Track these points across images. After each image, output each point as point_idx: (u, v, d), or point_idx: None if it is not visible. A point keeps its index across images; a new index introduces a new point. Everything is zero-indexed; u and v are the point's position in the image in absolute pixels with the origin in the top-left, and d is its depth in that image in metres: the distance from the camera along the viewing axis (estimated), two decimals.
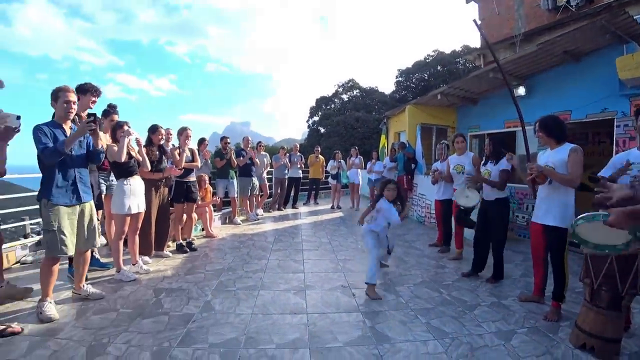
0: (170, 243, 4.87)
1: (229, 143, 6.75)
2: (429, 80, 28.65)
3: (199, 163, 5.06)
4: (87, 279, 3.24)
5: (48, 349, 2.22)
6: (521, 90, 6.60)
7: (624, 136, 5.11)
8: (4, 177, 2.72)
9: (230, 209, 6.85)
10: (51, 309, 2.64)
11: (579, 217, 1.99)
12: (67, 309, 2.84)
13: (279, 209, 8.53)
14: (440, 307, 3.02)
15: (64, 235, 2.64)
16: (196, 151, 5.10)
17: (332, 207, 9.01)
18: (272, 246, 5.09)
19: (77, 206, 2.79)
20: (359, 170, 8.95)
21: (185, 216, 4.92)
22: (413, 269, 4.11)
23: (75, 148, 2.78)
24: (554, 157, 2.84)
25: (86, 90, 3.51)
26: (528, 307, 3.05)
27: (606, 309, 2.29)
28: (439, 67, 28.77)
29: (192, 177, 4.91)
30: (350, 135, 25.69)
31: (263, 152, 7.91)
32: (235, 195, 6.70)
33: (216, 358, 2.17)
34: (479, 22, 11.00)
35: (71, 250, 2.72)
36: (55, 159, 2.59)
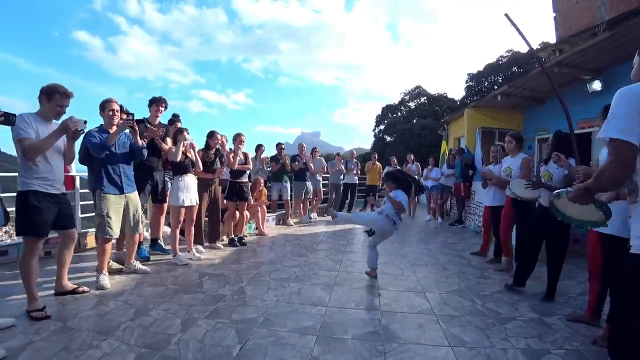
0: (224, 237, 5.34)
1: (283, 149, 7.14)
2: (503, 83, 26.41)
3: (250, 165, 5.47)
4: (149, 260, 4.05)
5: (108, 306, 2.83)
6: (596, 85, 5.79)
7: None
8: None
9: (285, 211, 7.21)
10: (105, 280, 3.21)
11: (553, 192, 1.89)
12: (128, 280, 3.45)
13: None
14: (468, 316, 2.85)
15: (110, 219, 3.20)
16: (249, 155, 5.53)
17: None
18: (316, 246, 5.27)
19: (123, 196, 3.33)
20: (416, 177, 8.70)
21: (237, 214, 5.35)
22: (452, 277, 3.91)
23: (120, 147, 3.33)
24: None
25: (153, 102, 4.19)
26: (575, 327, 2.71)
27: None
28: (514, 68, 26.44)
29: (244, 179, 5.33)
30: (416, 142, 24.92)
31: (318, 157, 8.18)
32: (289, 198, 7.06)
33: (232, 332, 2.43)
34: (554, 15, 9.94)
35: (116, 234, 3.26)
36: (101, 152, 3.15)
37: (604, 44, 5.06)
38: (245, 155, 5.36)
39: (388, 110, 33.52)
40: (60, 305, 2.77)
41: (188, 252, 4.27)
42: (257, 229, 6.10)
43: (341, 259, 4.53)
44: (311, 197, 7.75)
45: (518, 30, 3.02)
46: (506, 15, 3.07)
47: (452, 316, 2.84)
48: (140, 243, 3.92)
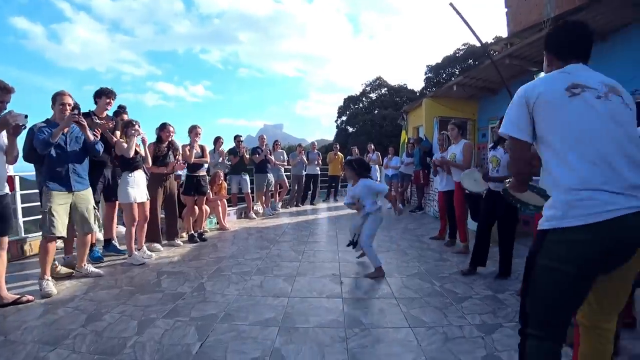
0: (184, 234, 5.16)
1: (242, 141, 6.98)
2: (459, 75, 27.55)
3: (208, 159, 5.30)
4: (103, 262, 3.83)
5: (56, 314, 2.60)
6: (542, 76, 6.20)
7: None
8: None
9: (246, 204, 7.08)
10: (50, 285, 2.96)
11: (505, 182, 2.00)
12: (80, 285, 3.21)
13: (296, 206, 8.66)
14: (427, 297, 2.97)
15: (54, 217, 2.97)
16: (206, 148, 5.34)
17: None
18: (279, 238, 5.23)
19: (71, 194, 3.13)
20: (377, 166, 8.88)
21: (196, 209, 5.18)
22: (412, 261, 4.05)
23: (72, 144, 3.15)
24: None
25: (102, 94, 3.91)
26: None
27: None
28: (470, 61, 27.64)
29: (202, 172, 5.16)
30: (377, 133, 25.43)
31: (280, 150, 8.09)
32: (249, 191, 6.93)
33: (192, 329, 2.36)
34: (506, 11, 10.49)
35: (60, 232, 3.03)
36: (45, 149, 2.94)
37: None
38: (202, 148, 5.18)
39: (350, 101, 33.84)
40: (0, 318, 2.53)
41: (138, 250, 4.00)
42: (218, 223, 5.94)
43: (304, 250, 4.53)
44: (273, 189, 7.67)
45: (463, 19, 3.11)
46: (451, 4, 3.14)
47: (412, 299, 2.94)
48: (92, 245, 3.69)
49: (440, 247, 4.71)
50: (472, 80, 7.21)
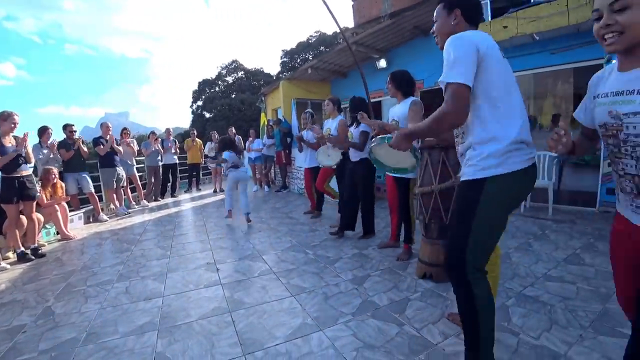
0: (9, 254, 3.91)
1: (74, 131, 5.66)
2: (313, 59, 29.34)
3: (31, 157, 4.07)
4: None
5: None
6: (382, 63, 7.15)
7: None
8: None
9: (92, 205, 5.83)
10: None
11: (373, 140, 1.98)
12: None
13: (155, 200, 7.67)
14: (304, 266, 3.08)
15: None
16: (26, 143, 4.07)
17: (215, 191, 8.55)
18: (140, 237, 4.52)
19: None
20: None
21: (23, 218, 3.96)
22: (285, 236, 4.12)
23: None
24: (399, 111, 3.05)
25: None
26: (385, 252, 3.36)
27: (437, 239, 2.62)
28: (321, 48, 29.65)
29: (26, 171, 3.91)
30: (237, 117, 24.82)
31: (129, 139, 6.91)
32: (92, 190, 5.71)
33: None
34: (352, 4, 11.67)
35: None
36: None
37: (387, 29, 6.32)
38: (16, 140, 3.90)
39: (205, 85, 31.79)
40: None
41: None
42: (58, 233, 4.71)
43: (171, 245, 4.05)
44: (125, 184, 6.56)
45: (331, 12, 3.25)
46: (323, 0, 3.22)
47: (289, 270, 3.00)
48: None
49: (308, 220, 4.95)
50: (325, 64, 7.72)
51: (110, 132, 6.10)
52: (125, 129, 7.01)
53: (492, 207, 1.38)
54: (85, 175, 5.61)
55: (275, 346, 1.87)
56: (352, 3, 12.05)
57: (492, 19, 5.82)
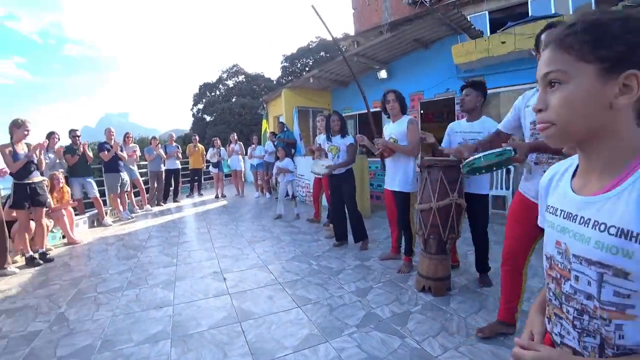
0: (17, 258, 4.00)
1: (78, 136, 5.77)
2: (313, 66, 29.48)
3: (44, 163, 4.18)
4: None
5: None
6: (383, 74, 7.29)
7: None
8: None
9: (96, 210, 5.93)
10: None
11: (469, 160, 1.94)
12: None
13: (158, 205, 7.77)
14: (308, 277, 3.18)
15: None
16: (43, 147, 4.18)
17: (217, 197, 8.66)
18: (145, 243, 4.62)
19: None
20: (240, 156, 8.76)
21: (33, 224, 4.05)
22: (288, 246, 4.23)
23: None
24: (396, 129, 3.20)
25: None
26: (386, 264, 3.46)
27: (435, 254, 2.74)
28: (322, 53, 29.78)
29: (37, 177, 4.03)
30: (237, 122, 24.92)
31: (131, 144, 7.02)
32: (97, 195, 5.81)
33: None
34: (352, 11, 11.86)
35: None
36: None
37: (388, 42, 6.45)
38: (29, 148, 4.01)
39: (206, 88, 31.93)
40: None
41: None
42: (64, 237, 4.81)
43: (177, 252, 4.15)
44: (129, 189, 6.67)
45: (323, 21, 3.36)
46: (313, 7, 3.32)
47: (294, 281, 3.11)
48: None
49: (311, 229, 5.05)
50: (326, 73, 7.85)
51: (113, 137, 6.21)
52: (127, 134, 7.12)
53: None
54: (90, 180, 5.73)
55: (284, 356, 1.97)
56: (353, 10, 12.30)
57: (490, 33, 6.00)
